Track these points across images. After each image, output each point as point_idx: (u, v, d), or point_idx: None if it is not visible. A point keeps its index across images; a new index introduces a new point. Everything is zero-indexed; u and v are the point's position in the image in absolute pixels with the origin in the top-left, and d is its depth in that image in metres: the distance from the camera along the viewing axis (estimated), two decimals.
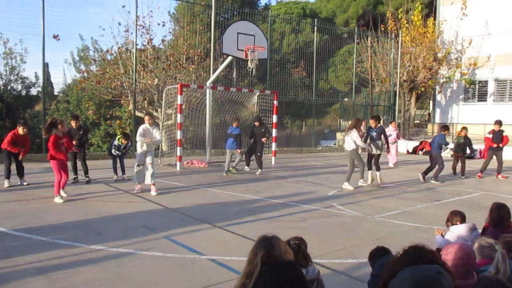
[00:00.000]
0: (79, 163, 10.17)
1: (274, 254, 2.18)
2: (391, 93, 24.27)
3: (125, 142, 10.39)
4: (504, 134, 12.36)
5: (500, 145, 12.21)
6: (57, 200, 7.84)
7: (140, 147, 8.87)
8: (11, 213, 6.88)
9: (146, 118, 9.14)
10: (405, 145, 21.70)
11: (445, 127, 12.02)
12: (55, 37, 14.89)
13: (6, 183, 9.17)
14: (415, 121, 28.41)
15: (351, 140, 10.00)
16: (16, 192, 8.64)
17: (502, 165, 12.46)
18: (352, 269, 4.78)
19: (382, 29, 24.31)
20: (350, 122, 13.02)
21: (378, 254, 3.10)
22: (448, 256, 2.68)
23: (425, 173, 11.55)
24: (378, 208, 8.01)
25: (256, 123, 12.51)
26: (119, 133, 10.99)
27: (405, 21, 24.34)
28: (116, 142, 10.42)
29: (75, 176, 9.99)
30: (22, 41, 19.09)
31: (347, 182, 9.99)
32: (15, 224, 6.20)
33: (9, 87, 18.66)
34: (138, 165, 8.87)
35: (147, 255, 5.03)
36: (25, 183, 9.41)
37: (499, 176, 12.47)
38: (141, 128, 8.93)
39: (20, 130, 9.21)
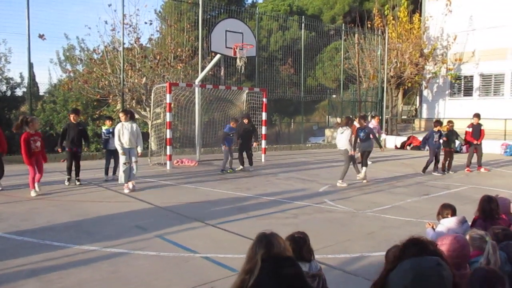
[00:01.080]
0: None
1: (274, 251, 2.19)
2: (379, 89, 24.46)
3: (110, 123, 10.57)
4: (482, 128, 12.71)
5: (478, 142, 12.61)
6: (32, 194, 8.29)
7: (121, 149, 8.90)
8: (1, 216, 6.79)
9: (121, 115, 9.25)
10: (393, 140, 21.90)
11: (437, 122, 12.29)
12: (40, 36, 14.71)
13: None
14: (403, 117, 28.69)
15: (344, 139, 10.05)
16: (5, 194, 8.52)
17: (481, 158, 12.77)
18: (346, 264, 4.82)
19: (369, 25, 24.45)
20: (339, 120, 13.12)
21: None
22: (443, 247, 2.72)
23: (436, 167, 12.16)
24: (369, 203, 8.09)
25: (245, 120, 12.51)
26: (105, 125, 10.93)
27: (391, 18, 24.53)
28: (104, 130, 10.50)
29: (69, 177, 9.61)
30: (5, 41, 18.85)
31: (341, 180, 10.03)
32: (5, 227, 6.12)
33: None
34: (125, 163, 8.91)
35: (141, 255, 5.02)
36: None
37: (482, 169, 12.71)
38: (117, 130, 8.99)
39: None
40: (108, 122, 10.64)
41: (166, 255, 5.01)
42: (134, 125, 9.07)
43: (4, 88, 18.95)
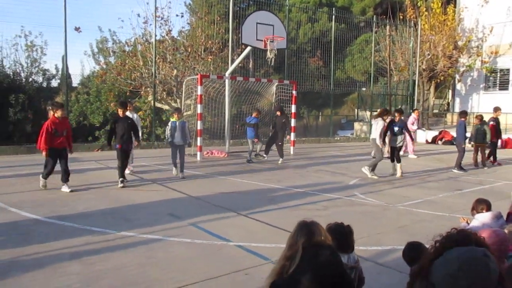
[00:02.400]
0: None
1: (315, 239, 2.25)
2: (410, 82, 23.99)
3: (178, 116, 9.68)
4: (491, 123, 12.75)
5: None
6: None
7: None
8: (40, 202, 7.09)
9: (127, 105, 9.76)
10: (424, 135, 21.50)
11: (463, 113, 12.07)
12: (76, 29, 15.14)
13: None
14: (434, 111, 28.05)
15: (376, 129, 10.02)
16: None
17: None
18: (378, 256, 4.84)
19: (401, 17, 23.96)
20: (372, 114, 13.08)
21: (412, 250, 3.16)
22: None
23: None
24: (400, 197, 8.03)
25: (278, 113, 12.62)
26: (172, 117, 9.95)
27: (424, 9, 23.94)
28: (170, 124, 9.67)
29: (122, 178, 8.55)
30: (42, 33, 19.49)
31: (373, 171, 10.02)
32: (46, 212, 6.40)
33: (30, 79, 19.01)
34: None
35: (175, 242, 5.17)
36: None
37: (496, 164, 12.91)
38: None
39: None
40: (176, 115, 9.74)
41: (200, 242, 5.15)
42: (135, 115, 9.48)
43: (40, 79, 19.55)
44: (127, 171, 9.60)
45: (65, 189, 7.90)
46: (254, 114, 12.63)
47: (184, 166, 9.76)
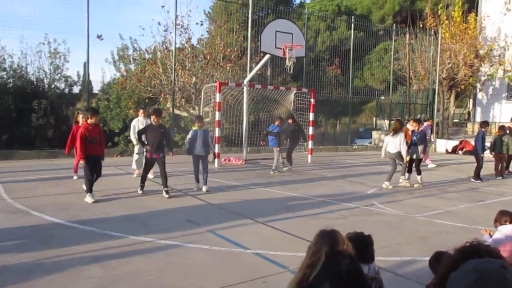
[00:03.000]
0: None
1: (339, 248, 2.24)
2: (430, 91, 23.70)
3: (199, 125, 8.88)
4: None
5: None
6: (74, 177, 8.73)
7: (135, 140, 9.73)
8: (61, 206, 7.21)
9: (141, 111, 10.29)
10: (444, 144, 21.18)
11: (483, 123, 11.91)
12: (98, 37, 15.44)
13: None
14: (454, 120, 27.63)
15: (398, 143, 9.84)
16: (64, 186, 9.02)
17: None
18: (397, 267, 4.78)
19: (421, 25, 23.75)
20: (390, 123, 12.92)
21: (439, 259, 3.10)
22: (505, 253, 2.67)
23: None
24: (420, 207, 7.91)
25: (289, 121, 12.68)
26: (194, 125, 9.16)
27: (445, 17, 23.69)
28: (191, 133, 8.95)
29: (142, 185, 8.44)
30: (65, 41, 19.91)
31: (388, 182, 9.88)
32: (68, 216, 6.51)
33: (52, 86, 19.41)
34: (138, 153, 9.94)
35: (193, 248, 5.20)
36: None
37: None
38: (134, 122, 10.17)
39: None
40: (197, 123, 8.94)
41: (218, 249, 5.16)
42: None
43: (62, 85, 19.94)
44: (134, 175, 10.12)
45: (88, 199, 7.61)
46: (276, 122, 12.08)
47: (207, 178, 9.00)
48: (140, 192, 8.38)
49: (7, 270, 4.37)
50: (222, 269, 4.57)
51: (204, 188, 8.80)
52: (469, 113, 28.03)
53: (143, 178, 8.45)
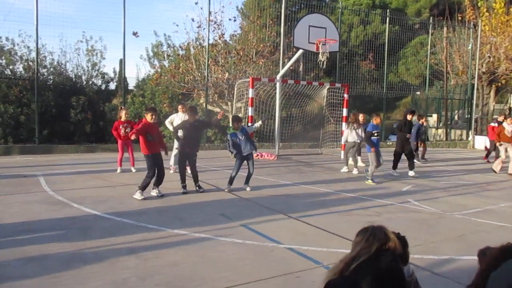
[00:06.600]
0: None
1: (389, 245, 2.22)
2: (468, 86, 22.93)
3: (237, 125, 8.33)
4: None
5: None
6: (118, 171, 9.32)
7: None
8: (99, 198, 7.43)
9: (181, 107, 10.53)
10: (483, 141, 20.47)
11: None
12: (134, 34, 15.75)
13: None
14: (494, 116, 26.62)
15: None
16: (102, 179, 9.30)
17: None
18: (434, 266, 4.66)
19: (459, 18, 22.98)
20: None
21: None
22: None
23: None
24: (457, 205, 7.69)
25: (409, 117, 11.07)
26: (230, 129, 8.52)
27: (485, 9, 22.81)
28: (228, 136, 8.41)
29: (184, 184, 8.19)
30: (101, 38, 20.44)
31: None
32: (106, 208, 6.71)
33: (90, 82, 19.99)
34: (177, 148, 9.28)
35: (227, 241, 5.25)
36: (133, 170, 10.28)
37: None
38: (171, 118, 10.45)
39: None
40: (236, 124, 8.33)
41: (251, 243, 5.19)
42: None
43: (99, 82, 20.49)
44: (171, 171, 10.08)
45: (154, 192, 7.75)
46: (375, 121, 9.88)
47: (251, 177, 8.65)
48: (183, 190, 8.08)
49: (49, 258, 4.55)
50: (255, 263, 4.59)
51: (248, 189, 8.49)
52: (510, 108, 26.94)
53: (183, 176, 8.18)
